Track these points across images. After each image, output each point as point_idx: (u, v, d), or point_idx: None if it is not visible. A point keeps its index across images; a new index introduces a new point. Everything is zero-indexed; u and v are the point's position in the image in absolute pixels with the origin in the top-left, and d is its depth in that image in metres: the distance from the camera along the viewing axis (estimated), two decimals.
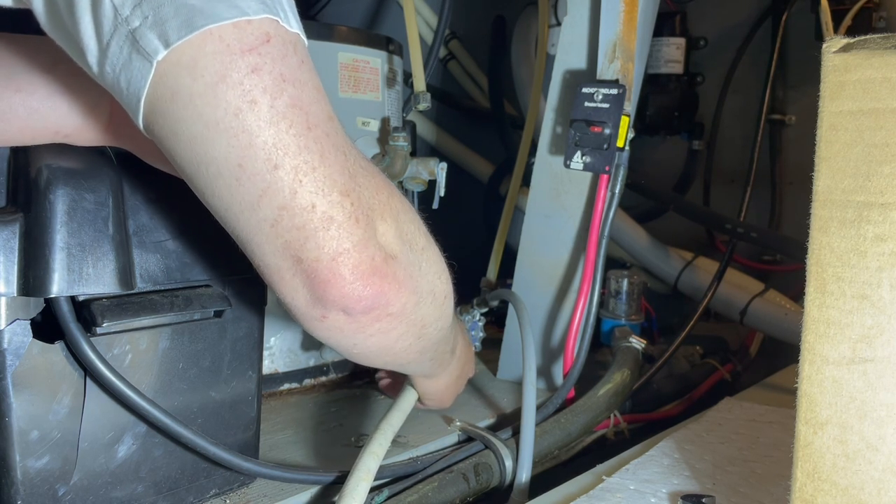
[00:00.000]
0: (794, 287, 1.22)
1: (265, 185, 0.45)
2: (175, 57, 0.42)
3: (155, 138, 0.46)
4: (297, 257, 0.47)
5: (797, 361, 0.46)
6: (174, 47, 0.41)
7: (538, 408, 0.83)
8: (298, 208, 0.46)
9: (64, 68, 0.50)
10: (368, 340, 0.54)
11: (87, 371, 0.54)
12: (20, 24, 0.49)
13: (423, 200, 1.03)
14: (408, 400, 0.79)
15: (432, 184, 1.00)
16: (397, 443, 0.79)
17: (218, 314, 0.62)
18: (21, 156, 0.53)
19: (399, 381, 0.88)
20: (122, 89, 0.44)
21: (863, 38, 0.44)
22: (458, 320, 0.77)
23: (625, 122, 0.85)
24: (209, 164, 0.45)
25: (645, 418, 0.98)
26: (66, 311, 0.52)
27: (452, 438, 0.82)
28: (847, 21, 1.08)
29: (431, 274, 0.58)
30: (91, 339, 0.53)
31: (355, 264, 0.48)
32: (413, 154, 1.03)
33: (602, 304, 1.11)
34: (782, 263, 1.37)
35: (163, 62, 0.42)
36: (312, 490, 0.68)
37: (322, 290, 0.49)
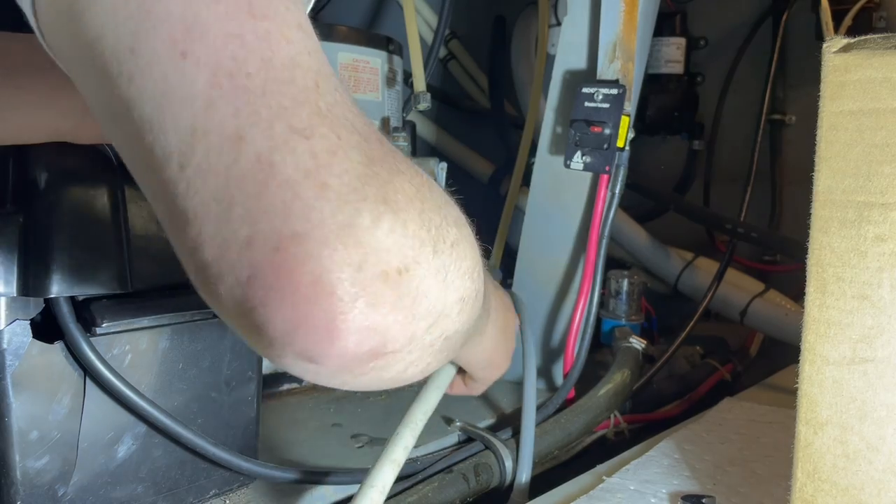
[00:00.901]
0: (794, 287, 1.22)
1: (166, 85, 0.30)
2: None
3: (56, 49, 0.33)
4: (220, 237, 0.30)
5: (797, 362, 0.46)
6: None
7: (538, 408, 0.83)
8: (217, 135, 0.30)
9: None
10: (359, 380, 0.35)
11: (87, 371, 0.54)
12: (19, 22, 0.49)
13: None
14: (443, 377, 0.69)
15: None
16: None
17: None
18: (21, 156, 0.53)
19: None
20: None
21: (863, 38, 0.44)
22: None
23: (625, 122, 0.85)
24: (94, 54, 0.31)
25: (645, 418, 0.98)
26: (66, 312, 0.52)
27: (452, 439, 0.82)
28: (847, 21, 1.08)
29: (459, 278, 0.37)
30: (91, 339, 0.53)
31: (320, 267, 0.29)
32: (413, 154, 1.03)
33: (602, 304, 1.11)
34: (782, 264, 1.37)
35: None
36: (312, 490, 0.68)
37: (260, 308, 0.30)
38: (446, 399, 0.94)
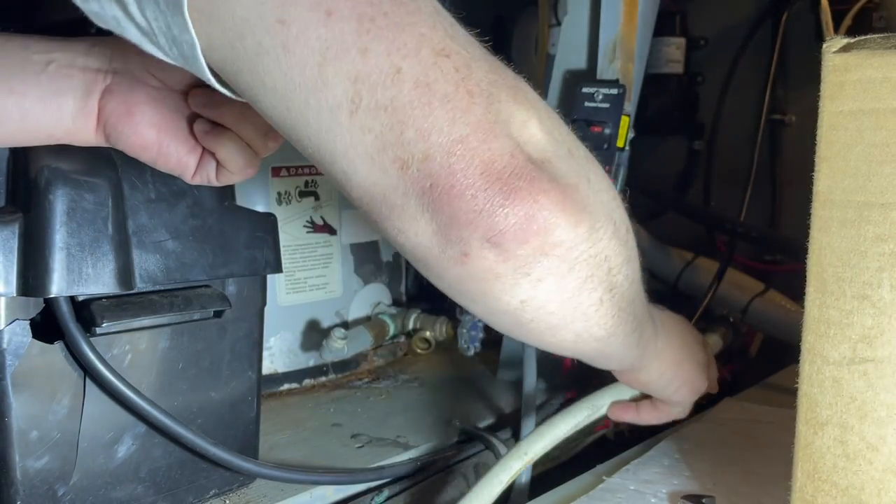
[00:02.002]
0: (794, 287, 1.22)
1: (321, 44, 0.33)
2: None
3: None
4: (399, 160, 0.35)
5: (797, 361, 0.46)
6: None
7: (538, 408, 0.83)
8: (378, 75, 0.34)
9: (55, 69, 0.50)
10: (540, 290, 0.38)
11: (87, 371, 0.54)
12: (17, 22, 0.49)
13: None
14: (606, 396, 0.64)
15: None
16: (397, 443, 0.79)
17: (217, 314, 0.62)
18: (21, 156, 0.53)
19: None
20: None
21: (863, 38, 0.44)
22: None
23: (625, 122, 0.85)
24: (244, 36, 0.34)
25: None
26: (66, 312, 0.52)
27: (452, 439, 0.82)
28: (847, 21, 1.08)
29: (604, 192, 0.41)
30: (90, 339, 0.53)
31: (486, 159, 0.35)
32: None
33: None
34: (783, 263, 1.37)
35: None
36: (312, 490, 0.68)
37: (447, 206, 0.35)
38: (446, 399, 0.94)
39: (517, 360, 0.90)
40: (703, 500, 0.62)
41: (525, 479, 0.73)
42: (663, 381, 0.60)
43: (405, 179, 0.35)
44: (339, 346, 0.94)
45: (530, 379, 0.82)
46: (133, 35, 0.38)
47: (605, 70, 0.89)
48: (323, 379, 0.99)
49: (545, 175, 0.36)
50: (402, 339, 1.10)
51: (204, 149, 0.51)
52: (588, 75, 0.94)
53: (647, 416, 0.68)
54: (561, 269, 0.38)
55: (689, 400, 0.65)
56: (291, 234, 0.96)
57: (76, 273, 0.52)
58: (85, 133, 0.54)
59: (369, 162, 0.35)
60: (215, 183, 0.53)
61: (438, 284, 0.40)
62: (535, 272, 0.37)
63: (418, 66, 0.34)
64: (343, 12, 0.33)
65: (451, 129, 0.34)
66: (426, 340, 1.09)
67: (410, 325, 1.09)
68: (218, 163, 0.51)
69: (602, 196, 0.41)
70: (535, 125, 0.38)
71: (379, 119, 0.34)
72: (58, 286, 0.51)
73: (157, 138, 0.50)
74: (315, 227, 0.97)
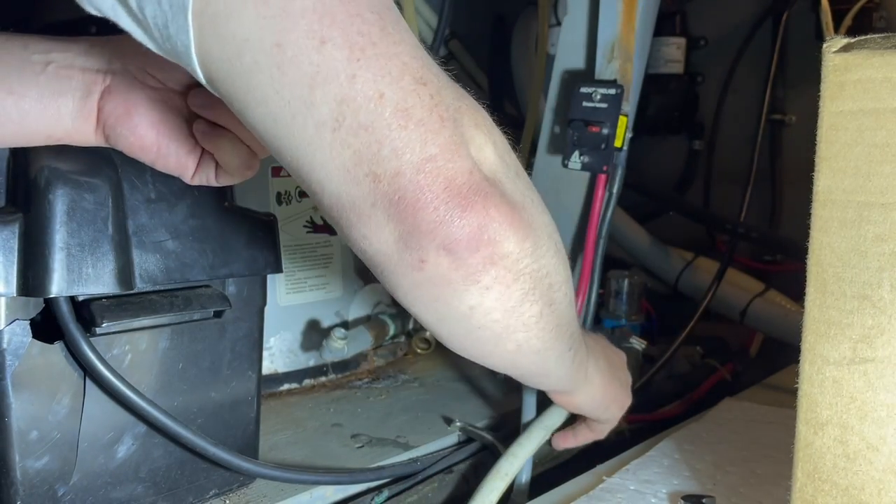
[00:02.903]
0: (794, 287, 1.22)
1: (313, 68, 0.36)
2: None
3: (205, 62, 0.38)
4: (372, 174, 0.38)
5: (797, 362, 0.46)
6: None
7: (538, 408, 0.83)
8: (362, 99, 0.37)
9: (54, 69, 0.50)
10: (487, 297, 0.42)
11: (87, 371, 0.54)
12: (17, 22, 0.49)
13: None
14: (552, 417, 0.70)
15: None
16: (397, 443, 0.79)
17: (218, 314, 0.62)
18: (21, 156, 0.53)
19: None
20: None
21: (863, 37, 0.44)
22: None
23: (623, 122, 0.85)
24: (242, 54, 0.36)
25: (645, 419, 0.98)
26: (66, 312, 0.52)
27: (452, 439, 0.82)
28: (847, 21, 1.08)
29: (546, 214, 0.47)
30: (90, 339, 0.53)
31: (448, 176, 0.38)
32: None
33: (602, 304, 1.10)
34: (783, 263, 1.37)
35: None
36: (312, 490, 0.68)
37: (411, 216, 0.38)
38: (446, 399, 0.94)
39: None
40: (703, 501, 0.62)
41: (525, 478, 0.73)
42: (595, 402, 0.66)
43: (376, 191, 0.38)
44: (339, 346, 0.94)
45: None
46: (125, 22, 0.39)
47: (603, 70, 0.89)
48: (323, 379, 0.99)
49: (497, 192, 0.41)
50: (402, 339, 1.10)
51: (203, 149, 0.51)
52: (588, 75, 0.94)
53: (583, 438, 0.73)
54: (507, 278, 0.42)
55: (618, 417, 0.70)
56: (291, 234, 0.96)
57: (76, 273, 0.52)
58: (84, 133, 0.54)
59: (344, 174, 0.38)
60: (214, 183, 0.53)
61: (395, 291, 0.43)
62: (483, 280, 0.41)
63: (400, 92, 0.38)
64: (336, 41, 0.36)
65: (423, 149, 0.38)
66: (426, 340, 1.09)
67: (410, 325, 1.09)
68: (217, 163, 0.51)
69: (545, 217, 0.46)
70: (490, 149, 0.42)
71: (359, 137, 0.37)
72: (58, 286, 0.51)
73: (156, 139, 0.50)
74: (315, 227, 0.97)
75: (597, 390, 0.64)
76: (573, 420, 0.81)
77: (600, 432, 0.72)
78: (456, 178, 0.39)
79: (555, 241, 0.46)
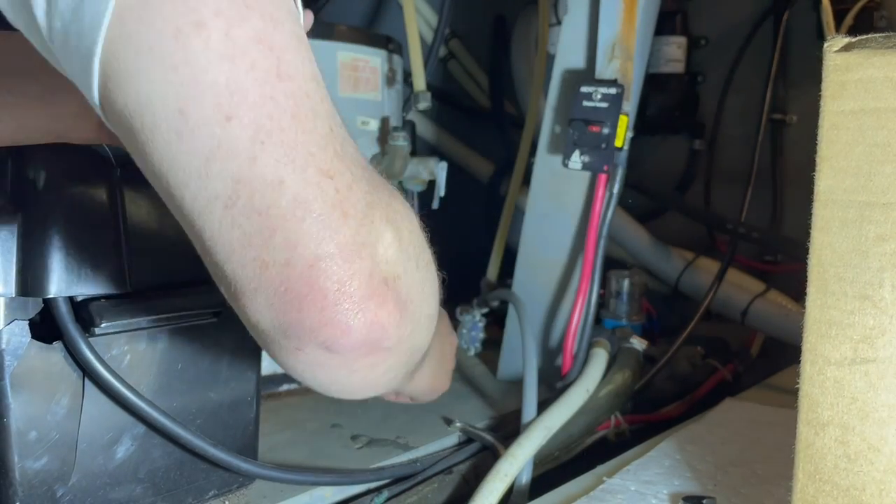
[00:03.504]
0: (795, 287, 1.22)
1: (214, 142, 0.34)
2: None
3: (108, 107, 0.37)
4: (260, 260, 0.36)
5: (798, 362, 0.46)
6: None
7: (538, 408, 0.83)
8: (260, 182, 0.35)
9: (53, 67, 0.50)
10: (351, 378, 0.43)
11: (86, 372, 0.54)
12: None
13: (422, 200, 1.03)
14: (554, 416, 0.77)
15: (432, 184, 0.99)
16: (397, 444, 0.79)
17: (217, 315, 0.62)
18: (20, 156, 0.53)
19: None
20: (73, 46, 0.34)
21: (864, 37, 0.44)
22: None
23: (623, 121, 0.85)
24: (144, 113, 0.35)
25: (646, 419, 0.98)
26: (65, 312, 0.52)
27: (452, 439, 0.82)
28: (848, 20, 1.08)
29: (431, 295, 0.46)
30: (89, 339, 0.53)
31: (342, 278, 0.37)
32: (413, 154, 1.02)
33: (603, 304, 1.10)
34: (784, 263, 1.36)
35: None
36: (311, 491, 0.68)
37: (295, 311, 0.37)
38: (446, 400, 0.94)
39: (517, 360, 0.90)
40: (704, 501, 0.62)
41: (525, 479, 0.73)
42: (416, 393, 0.72)
43: (261, 277, 0.37)
44: None
45: (530, 379, 0.82)
46: (27, 31, 0.37)
47: (603, 69, 0.89)
48: None
49: (392, 295, 0.39)
50: None
51: None
52: (588, 75, 0.94)
53: (403, 399, 0.77)
54: (377, 365, 0.42)
55: (434, 398, 0.75)
56: None
57: (75, 273, 0.52)
58: (84, 131, 0.54)
59: (231, 252, 0.37)
60: None
61: (272, 356, 0.43)
62: (358, 365, 0.41)
63: (302, 182, 0.36)
64: (243, 120, 0.35)
65: (318, 246, 0.36)
66: None
67: None
68: None
69: (429, 300, 0.45)
70: (395, 245, 0.40)
71: (251, 220, 0.36)
72: (57, 286, 0.51)
73: None
74: None
75: (422, 386, 0.70)
76: (573, 419, 0.81)
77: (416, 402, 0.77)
78: (352, 281, 0.37)
79: (430, 318, 0.46)
